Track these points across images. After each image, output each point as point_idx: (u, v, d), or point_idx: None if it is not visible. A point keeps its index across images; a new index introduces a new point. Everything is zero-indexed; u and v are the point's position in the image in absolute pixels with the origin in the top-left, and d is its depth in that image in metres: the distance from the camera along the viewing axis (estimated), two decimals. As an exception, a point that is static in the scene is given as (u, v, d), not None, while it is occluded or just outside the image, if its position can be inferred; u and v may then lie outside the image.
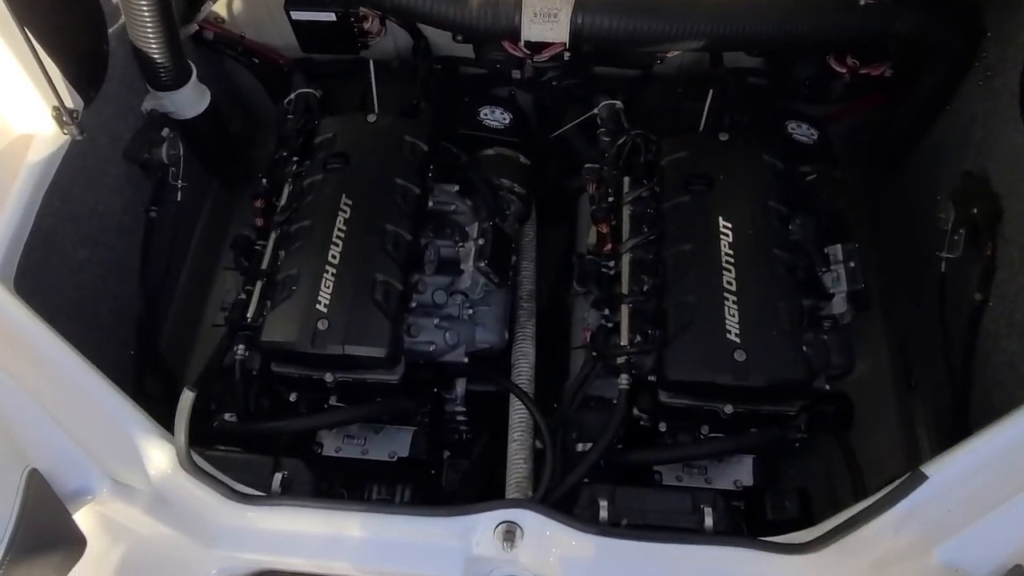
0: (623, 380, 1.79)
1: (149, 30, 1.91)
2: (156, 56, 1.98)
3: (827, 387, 1.84)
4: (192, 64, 2.13)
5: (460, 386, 2.08)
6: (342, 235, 1.85)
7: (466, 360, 1.97)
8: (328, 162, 1.97)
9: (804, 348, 1.76)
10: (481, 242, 1.95)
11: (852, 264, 1.85)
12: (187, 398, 1.33)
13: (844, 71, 2.19)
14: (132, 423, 1.39)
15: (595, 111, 2.23)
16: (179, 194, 2.15)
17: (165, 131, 2.07)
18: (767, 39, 2.02)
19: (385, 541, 1.54)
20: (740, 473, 1.89)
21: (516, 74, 2.38)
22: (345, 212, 1.88)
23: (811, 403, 1.82)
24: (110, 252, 2.02)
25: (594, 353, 1.88)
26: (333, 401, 1.91)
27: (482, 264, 1.93)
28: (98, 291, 1.98)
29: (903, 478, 1.25)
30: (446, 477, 2.25)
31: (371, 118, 2.04)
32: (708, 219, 1.86)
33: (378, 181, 1.92)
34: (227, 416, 1.85)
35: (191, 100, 2.16)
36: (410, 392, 1.96)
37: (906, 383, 2.32)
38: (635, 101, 2.30)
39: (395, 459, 2.05)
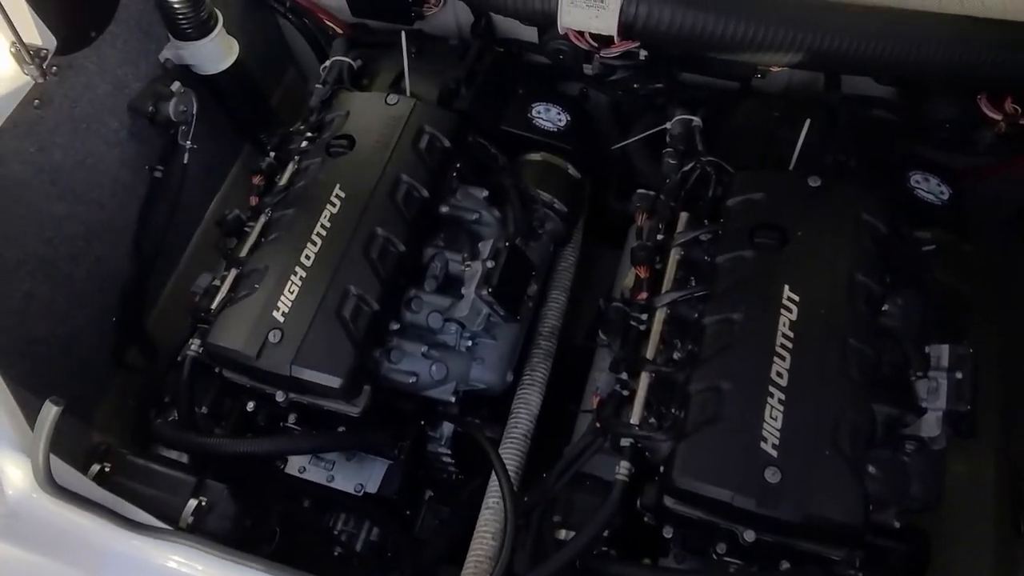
0: (622, 469, 1.43)
1: (165, -29, 1.70)
2: (173, 0, 1.78)
3: (896, 524, 1.40)
4: (219, 13, 1.91)
5: (447, 426, 1.77)
6: (323, 232, 1.58)
7: (452, 400, 1.66)
8: (331, 144, 1.70)
9: (871, 473, 1.34)
10: (490, 264, 1.62)
11: (959, 376, 1.39)
12: (49, 412, 1.09)
13: (999, 118, 1.68)
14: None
15: (667, 126, 1.84)
16: (186, 156, 1.94)
17: (176, 85, 1.86)
18: (905, 65, 1.54)
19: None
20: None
21: (588, 69, 2.02)
22: (334, 206, 1.60)
23: (871, 541, 1.39)
24: (97, 210, 1.84)
25: (598, 424, 1.52)
26: (292, 420, 1.66)
27: (485, 292, 1.60)
28: (75, 251, 1.80)
29: None
30: (422, 521, 1.96)
31: (392, 99, 1.74)
32: (770, 284, 1.45)
33: (378, 174, 1.63)
34: (169, 419, 1.64)
35: (213, 54, 1.94)
36: (381, 425, 1.68)
37: (1013, 527, 1.80)
38: (721, 120, 1.89)
39: (361, 493, 1.78)
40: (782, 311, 1.41)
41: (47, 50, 1.46)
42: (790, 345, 1.37)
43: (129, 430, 1.92)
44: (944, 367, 1.41)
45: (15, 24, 1.35)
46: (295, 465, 1.81)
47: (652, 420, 1.45)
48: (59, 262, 1.77)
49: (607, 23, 1.44)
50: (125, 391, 2.01)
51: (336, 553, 1.86)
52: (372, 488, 1.80)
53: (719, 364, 1.39)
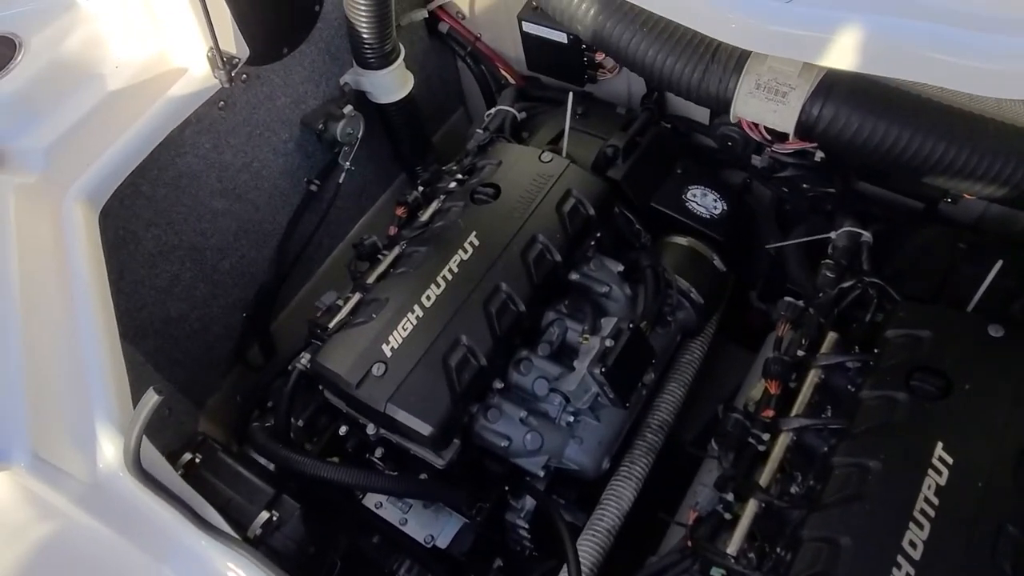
0: (708, 604, 1.28)
1: (361, 4, 1.78)
2: (363, 31, 1.86)
3: None
4: (402, 48, 1.98)
5: (530, 499, 1.68)
6: (449, 277, 1.56)
7: (541, 474, 1.58)
8: (476, 190, 1.69)
9: None
10: (609, 343, 1.53)
11: None
12: (150, 399, 1.12)
13: None
14: (99, 399, 1.21)
15: (831, 235, 1.69)
16: (343, 176, 2.01)
17: (348, 108, 1.95)
18: None
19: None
20: None
21: (757, 160, 1.91)
22: (466, 252, 1.59)
23: None
24: (252, 211, 1.93)
25: (689, 543, 1.38)
26: (378, 454, 1.63)
27: (598, 371, 1.51)
28: (224, 245, 1.90)
29: None
30: (484, 592, 1.86)
31: (546, 157, 1.72)
32: (921, 437, 1.26)
33: (515, 230, 1.60)
34: (266, 424, 1.66)
35: (389, 85, 2.01)
36: (464, 480, 1.61)
37: None
38: (895, 239, 1.71)
39: (430, 545, 1.72)
40: (930, 471, 1.22)
41: (239, 59, 1.56)
42: (932, 513, 1.18)
43: (232, 424, 1.97)
44: None
45: (216, 33, 1.45)
46: (373, 499, 1.79)
47: (751, 555, 1.30)
48: (208, 253, 1.87)
49: (784, 120, 1.33)
50: (238, 386, 2.08)
51: (393, 599, 1.80)
52: (442, 543, 1.74)
53: (843, 514, 1.22)
